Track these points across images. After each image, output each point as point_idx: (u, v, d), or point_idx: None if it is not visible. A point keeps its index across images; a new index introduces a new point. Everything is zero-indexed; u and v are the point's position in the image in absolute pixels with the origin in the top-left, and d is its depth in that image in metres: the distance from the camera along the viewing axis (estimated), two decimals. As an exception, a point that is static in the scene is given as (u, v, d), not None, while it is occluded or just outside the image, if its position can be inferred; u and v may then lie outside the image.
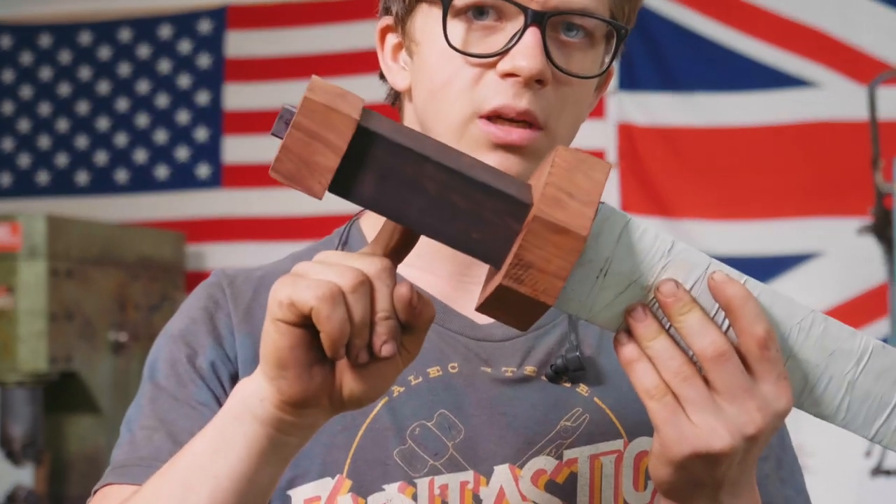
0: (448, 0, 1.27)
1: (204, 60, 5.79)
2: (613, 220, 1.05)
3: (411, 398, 1.31)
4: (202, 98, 5.78)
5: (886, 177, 4.16)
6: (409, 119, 1.35)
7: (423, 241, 1.14)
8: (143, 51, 5.85)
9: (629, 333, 1.07)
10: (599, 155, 5.30)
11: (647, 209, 5.20)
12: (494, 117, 1.26)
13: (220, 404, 1.30)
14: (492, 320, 1.32)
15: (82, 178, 5.86)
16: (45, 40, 5.96)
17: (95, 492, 1.30)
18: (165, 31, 5.84)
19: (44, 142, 5.91)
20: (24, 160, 5.93)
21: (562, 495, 1.30)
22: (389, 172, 1.02)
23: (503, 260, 1.03)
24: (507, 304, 1.03)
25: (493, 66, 1.27)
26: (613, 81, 5.22)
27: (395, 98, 1.39)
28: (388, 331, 1.03)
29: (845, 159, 4.93)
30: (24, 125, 5.94)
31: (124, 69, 5.86)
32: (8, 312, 4.39)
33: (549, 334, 1.37)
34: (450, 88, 1.28)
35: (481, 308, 1.05)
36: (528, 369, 1.34)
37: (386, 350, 1.03)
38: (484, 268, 1.31)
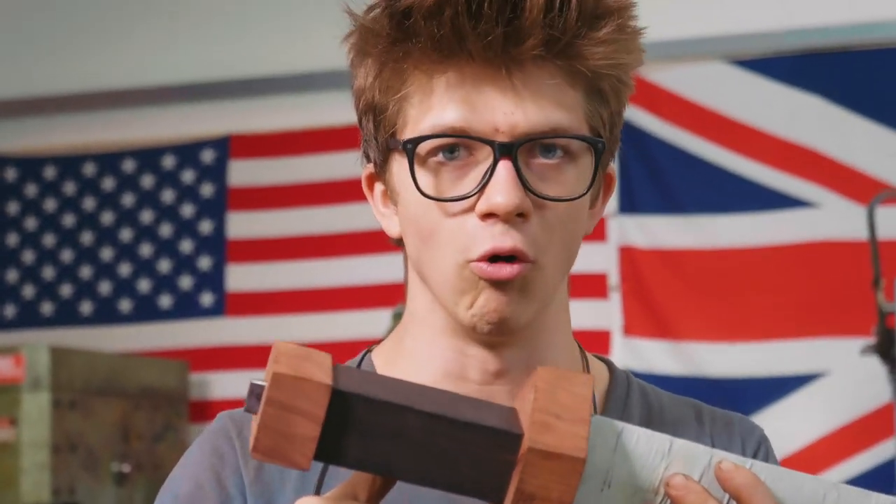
0: (412, 150, 1.24)
1: (207, 189, 5.82)
2: (606, 432, 1.04)
3: None
4: (205, 227, 5.81)
5: (888, 296, 4.16)
6: (410, 261, 1.33)
7: (440, 385, 1.16)
8: (147, 181, 5.89)
9: None
10: (601, 279, 5.30)
11: (650, 332, 5.19)
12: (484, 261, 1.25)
13: None
14: None
15: (86, 308, 5.87)
16: (49, 172, 6.00)
17: None
18: (169, 162, 5.88)
19: (48, 272, 5.93)
20: (29, 291, 5.94)
21: None
22: (372, 429, 1.00)
23: (502, 495, 1.01)
24: None
25: (472, 207, 1.24)
26: (613, 204, 5.27)
27: (399, 241, 1.35)
28: None
29: (847, 279, 4.93)
30: (28, 256, 5.96)
31: (128, 199, 5.90)
32: (11, 445, 4.37)
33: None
34: (436, 239, 1.25)
35: None
36: None
37: None
38: None
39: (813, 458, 4.98)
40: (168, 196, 5.87)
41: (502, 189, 1.21)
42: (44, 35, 5.99)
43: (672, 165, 5.24)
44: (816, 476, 1.08)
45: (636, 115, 5.28)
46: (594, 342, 5.18)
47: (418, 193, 1.25)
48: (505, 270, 1.23)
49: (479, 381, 1.30)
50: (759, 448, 1.44)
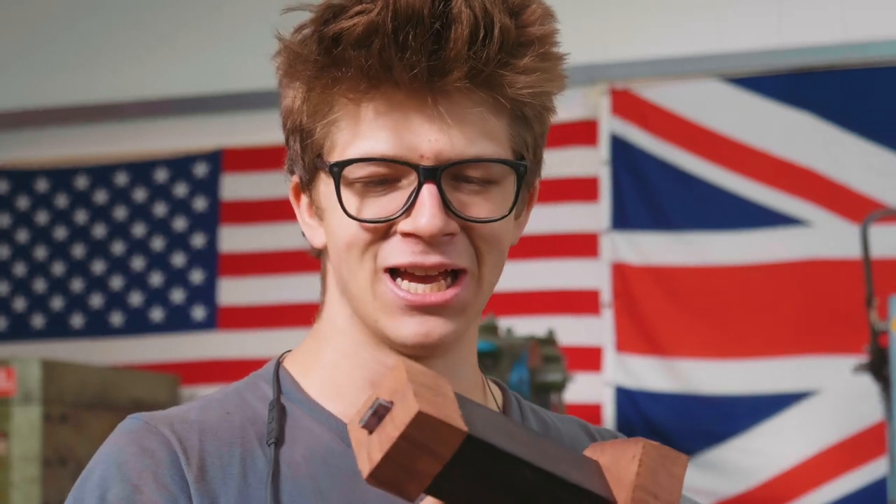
0: (338, 173, 1.26)
1: (199, 203, 5.82)
2: None
3: None
4: (198, 241, 5.80)
5: (881, 315, 4.17)
6: (330, 271, 1.34)
7: (366, 394, 1.18)
8: (139, 194, 5.89)
9: None
10: (594, 295, 5.30)
11: (642, 349, 5.19)
12: (404, 271, 1.25)
13: None
14: None
15: (77, 321, 5.86)
16: (41, 185, 5.99)
17: None
18: (161, 175, 5.88)
19: (39, 285, 5.92)
20: (20, 304, 5.93)
21: None
22: (485, 474, 1.01)
23: None
24: None
25: (392, 227, 1.26)
26: (606, 220, 5.28)
27: (319, 252, 1.37)
28: None
29: (839, 297, 4.94)
30: (19, 269, 5.95)
31: (120, 212, 5.89)
32: (1, 459, 4.36)
33: None
34: (353, 250, 1.26)
35: None
36: None
37: None
38: None
39: (805, 476, 4.98)
40: (160, 209, 5.87)
41: (426, 211, 1.23)
42: (38, 49, 5.99)
43: (664, 182, 5.25)
44: None
45: (629, 131, 5.30)
46: (587, 358, 5.18)
47: (340, 211, 1.26)
48: (431, 297, 1.25)
49: None
50: None
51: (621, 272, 5.26)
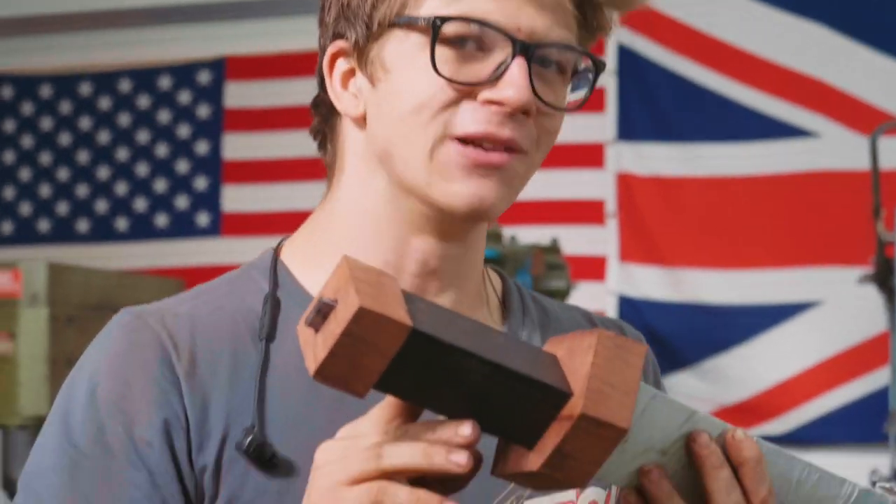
0: (437, 28, 1.23)
1: (203, 111, 5.81)
2: (640, 396, 1.07)
3: None
4: (201, 147, 5.80)
5: (888, 226, 4.18)
6: (356, 149, 1.30)
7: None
8: (143, 101, 5.88)
9: (639, 492, 1.10)
10: (599, 205, 5.31)
11: (646, 258, 5.21)
12: (471, 142, 1.24)
13: (155, 486, 1.21)
14: None
15: (83, 226, 5.87)
16: (45, 91, 5.98)
17: None
18: (165, 82, 5.87)
19: (44, 190, 5.92)
20: (25, 208, 5.94)
21: None
22: (433, 368, 1.01)
23: (535, 442, 1.03)
24: (534, 482, 1.05)
25: (471, 93, 1.24)
26: (611, 131, 5.27)
27: (319, 131, 1.34)
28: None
29: (846, 209, 4.94)
30: (25, 174, 5.95)
31: (124, 119, 5.89)
32: (9, 358, 4.39)
33: None
34: (423, 111, 1.23)
35: (503, 477, 1.06)
36: None
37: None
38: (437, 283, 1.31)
39: (806, 386, 5.02)
40: (164, 116, 5.86)
41: (517, 84, 1.22)
42: (42, -49, 5.95)
43: (671, 93, 5.24)
44: (802, 459, 1.14)
45: (635, 41, 5.28)
46: (590, 268, 5.20)
47: (421, 69, 1.24)
48: (495, 157, 1.23)
49: (414, 275, 1.28)
50: (648, 360, 1.45)
51: (626, 182, 5.26)
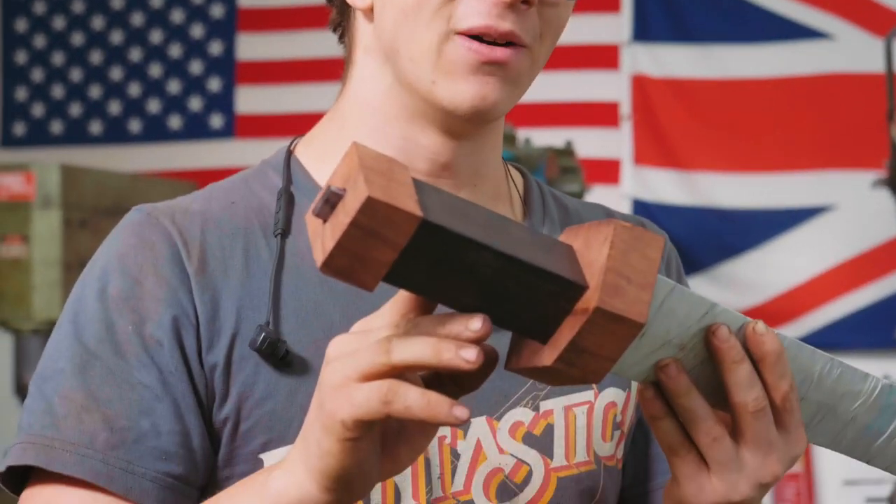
0: None
1: (217, 10, 5.77)
2: (659, 289, 1.04)
3: None
4: (215, 48, 5.77)
5: (902, 130, 4.16)
6: (365, 43, 1.28)
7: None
8: (156, 0, 5.84)
9: (656, 387, 1.08)
10: (614, 107, 5.28)
11: (660, 161, 5.19)
12: (473, 37, 1.21)
13: (165, 384, 1.20)
14: None
15: (96, 127, 5.86)
16: (58, -11, 5.95)
17: (10, 468, 1.21)
18: (179, -20, 5.83)
19: (57, 91, 5.91)
20: (38, 110, 5.92)
21: (539, 447, 1.28)
22: (445, 261, 0.97)
23: (549, 336, 1.01)
24: (548, 377, 1.02)
25: None
26: (626, 32, 5.23)
27: (339, 24, 1.32)
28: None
29: (860, 112, 4.91)
30: (37, 75, 5.93)
31: (137, 19, 5.85)
32: (22, 262, 4.39)
33: None
34: (425, 6, 1.21)
35: (516, 372, 1.04)
36: None
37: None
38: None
39: (819, 290, 5.02)
40: (177, 16, 5.82)
41: None
42: None
43: (686, -6, 5.19)
44: (824, 352, 1.12)
45: (652, -59, 5.22)
46: (604, 171, 5.18)
47: None
48: (498, 52, 1.21)
49: (425, 173, 1.27)
50: (671, 256, 1.44)
51: (641, 84, 5.23)
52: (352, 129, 1.29)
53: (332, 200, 0.96)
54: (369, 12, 1.27)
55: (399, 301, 1.03)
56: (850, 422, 1.13)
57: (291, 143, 1.35)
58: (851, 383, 1.12)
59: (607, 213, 1.43)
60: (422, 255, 0.97)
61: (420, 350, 0.97)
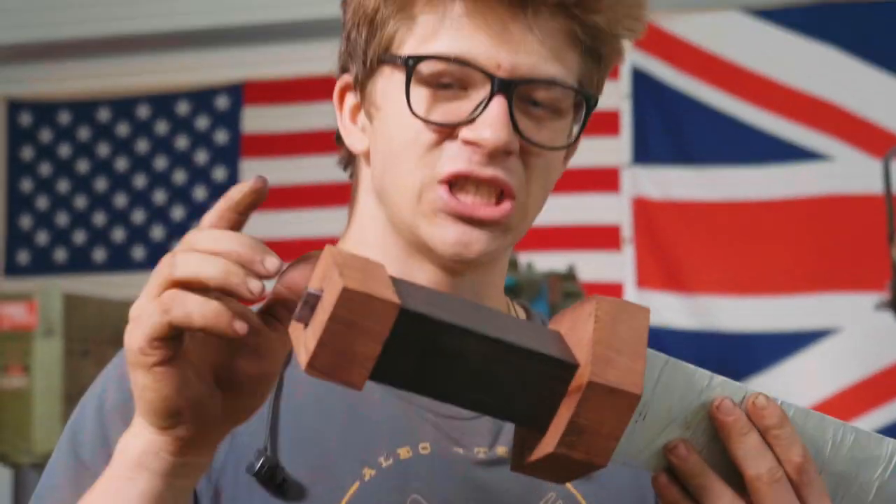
0: (412, 66, 1.22)
1: (221, 136, 5.82)
2: (652, 364, 1.03)
3: (383, 482, 1.24)
4: (219, 174, 5.81)
5: (902, 251, 4.16)
6: (365, 184, 1.30)
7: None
8: (161, 127, 5.89)
9: (669, 472, 1.05)
10: (615, 230, 5.29)
11: (662, 284, 5.19)
12: (455, 182, 1.22)
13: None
14: None
15: (99, 255, 5.88)
16: (64, 117, 6.00)
17: None
18: (183, 108, 5.88)
19: (62, 219, 5.94)
20: (42, 238, 5.95)
21: None
22: (430, 350, 0.96)
23: (548, 423, 1.00)
24: (553, 467, 1.01)
25: (453, 133, 1.22)
26: (627, 155, 5.26)
27: (348, 163, 1.34)
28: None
29: (861, 233, 4.92)
30: (42, 202, 5.97)
31: (142, 146, 5.90)
32: (23, 392, 4.38)
33: None
34: (408, 153, 1.23)
35: (521, 472, 1.03)
36: (501, 450, 1.28)
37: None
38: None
39: (828, 414, 4.98)
40: (182, 142, 5.87)
41: (495, 123, 1.20)
42: (57, -19, 5.98)
43: (686, 116, 5.22)
44: (834, 418, 1.09)
45: (651, 64, 5.26)
46: (607, 294, 5.17)
47: (404, 110, 1.23)
48: (482, 211, 1.22)
49: None
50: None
51: (642, 207, 5.24)
52: None
53: (310, 302, 0.95)
54: (366, 156, 1.29)
55: (212, 212, 1.03)
56: (877, 491, 1.10)
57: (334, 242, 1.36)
58: (868, 448, 1.09)
59: None
60: (407, 347, 0.96)
61: (209, 266, 0.96)
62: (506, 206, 1.22)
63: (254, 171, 5.74)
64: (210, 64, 5.84)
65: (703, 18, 5.23)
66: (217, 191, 5.78)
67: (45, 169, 5.99)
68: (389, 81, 1.25)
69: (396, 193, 1.24)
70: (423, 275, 1.27)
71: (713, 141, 5.18)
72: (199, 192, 5.81)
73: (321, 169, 5.52)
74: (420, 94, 1.23)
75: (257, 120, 5.77)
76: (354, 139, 1.30)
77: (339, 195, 5.63)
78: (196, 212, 5.80)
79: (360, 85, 1.28)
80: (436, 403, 1.24)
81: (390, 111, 1.25)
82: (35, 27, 5.98)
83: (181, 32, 5.83)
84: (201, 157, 5.83)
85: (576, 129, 1.28)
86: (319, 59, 5.69)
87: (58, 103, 6.00)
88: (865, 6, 5.06)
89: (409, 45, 1.24)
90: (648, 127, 5.26)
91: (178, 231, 5.81)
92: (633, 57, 5.25)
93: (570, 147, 1.31)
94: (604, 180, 5.30)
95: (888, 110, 5.00)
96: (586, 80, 1.27)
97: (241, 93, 5.80)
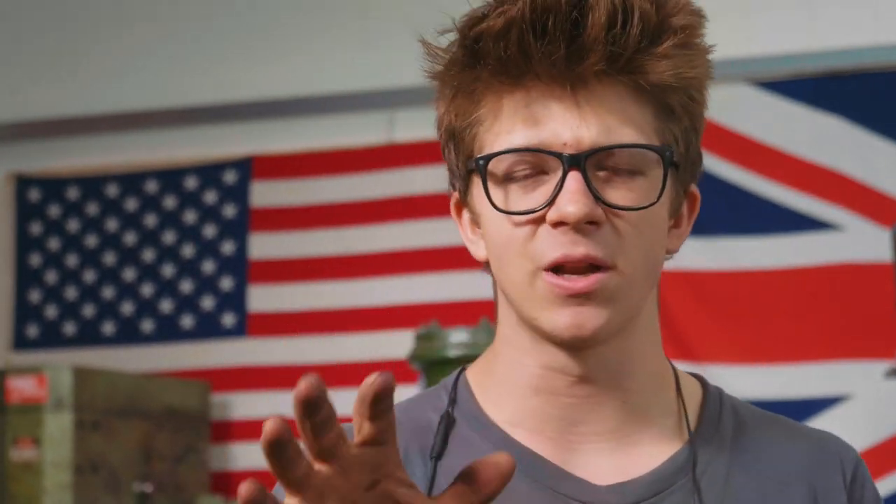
0: (483, 166, 1.27)
1: (229, 210, 5.83)
2: None
3: None
4: (227, 248, 5.82)
5: (911, 319, 4.16)
6: (498, 285, 1.36)
7: (529, 403, 1.22)
8: (169, 202, 5.90)
9: None
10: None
11: (671, 353, 5.14)
12: (557, 268, 1.26)
13: None
14: (607, 482, 1.31)
15: (108, 328, 5.88)
16: (72, 193, 6.02)
17: None
18: (191, 182, 5.89)
19: (70, 293, 5.94)
20: (51, 311, 5.95)
21: None
22: None
23: None
24: None
25: (543, 219, 1.26)
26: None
27: (488, 264, 1.38)
28: None
29: (870, 302, 4.92)
30: (51, 277, 5.97)
31: (150, 220, 5.91)
32: (34, 465, 4.38)
33: (670, 499, 1.33)
34: (508, 250, 1.27)
35: None
36: None
37: None
38: (592, 425, 1.31)
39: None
40: (190, 217, 5.88)
41: (572, 198, 1.24)
42: (65, 57, 6.01)
43: (694, 187, 5.23)
44: None
45: (658, 136, 5.29)
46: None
47: (492, 209, 1.28)
48: (580, 283, 1.25)
49: (566, 391, 1.30)
50: (857, 470, 1.44)
51: (651, 277, 5.24)
52: (500, 363, 1.36)
53: None
54: (488, 264, 1.36)
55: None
56: None
57: (465, 366, 1.41)
58: None
59: (787, 427, 1.45)
60: None
61: None
62: (593, 277, 1.25)
63: (262, 245, 5.75)
64: (218, 139, 5.87)
65: (710, 91, 5.25)
66: (225, 264, 5.79)
67: (53, 243, 6.01)
68: (478, 187, 1.31)
69: (512, 290, 1.30)
70: (556, 359, 1.30)
71: (721, 212, 5.18)
72: (208, 266, 5.82)
73: (329, 242, 5.53)
74: (501, 190, 1.28)
75: (265, 194, 5.79)
76: (477, 249, 1.36)
77: (348, 268, 5.65)
78: (204, 285, 5.81)
79: (464, 197, 1.35)
80: (583, 491, 1.29)
81: (486, 214, 1.31)
82: (41, 104, 6.02)
83: (188, 108, 5.87)
84: (209, 231, 5.84)
85: (663, 185, 1.29)
86: (327, 133, 5.73)
87: (66, 179, 6.02)
88: (872, 76, 5.09)
89: (487, 148, 1.29)
90: (656, 198, 5.27)
91: (186, 304, 5.81)
92: (639, 129, 5.27)
93: (681, 200, 1.34)
94: (612, 251, 5.31)
95: (895, 179, 5.01)
96: (667, 135, 1.30)
97: (250, 167, 5.82)
